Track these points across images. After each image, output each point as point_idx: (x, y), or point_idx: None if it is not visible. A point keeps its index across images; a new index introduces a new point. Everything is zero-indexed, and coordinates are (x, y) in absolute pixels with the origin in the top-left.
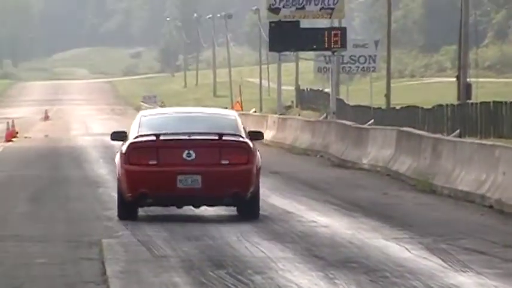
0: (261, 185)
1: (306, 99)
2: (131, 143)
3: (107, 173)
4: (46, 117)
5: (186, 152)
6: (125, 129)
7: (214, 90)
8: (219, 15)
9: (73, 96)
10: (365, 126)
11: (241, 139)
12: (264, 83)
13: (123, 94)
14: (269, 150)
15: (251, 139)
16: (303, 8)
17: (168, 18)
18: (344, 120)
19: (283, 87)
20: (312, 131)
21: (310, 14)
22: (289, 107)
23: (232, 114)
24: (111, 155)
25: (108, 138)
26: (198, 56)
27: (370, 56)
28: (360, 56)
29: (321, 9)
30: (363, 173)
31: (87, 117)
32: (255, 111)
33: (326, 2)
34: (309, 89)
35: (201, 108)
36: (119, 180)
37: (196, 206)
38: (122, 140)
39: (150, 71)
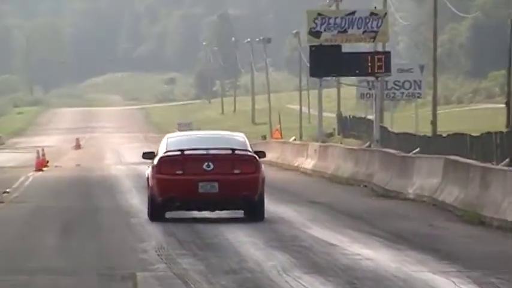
0: (301, 215)
1: (348, 126)
2: (161, 157)
3: (140, 203)
4: (77, 146)
5: (206, 163)
6: (153, 150)
7: (253, 117)
8: (257, 39)
9: (105, 123)
10: (410, 154)
11: (249, 153)
12: (304, 109)
13: (157, 121)
14: (310, 180)
15: (258, 155)
16: (345, 31)
17: (204, 43)
18: (388, 148)
19: (324, 114)
20: (354, 159)
21: (352, 37)
22: (331, 134)
23: (240, 135)
24: (143, 184)
25: (141, 167)
26: (236, 81)
27: (415, 82)
28: (404, 82)
29: (363, 32)
30: (408, 203)
31: (119, 146)
32: (295, 139)
33: (369, 25)
34: (351, 116)
35: (216, 131)
36: (151, 188)
37: (213, 210)
38: (151, 159)
39: (185, 97)
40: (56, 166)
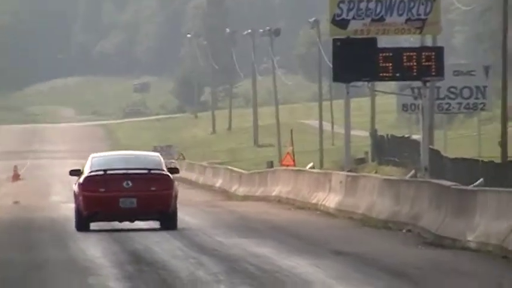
0: (322, 271)
1: (386, 149)
2: (86, 176)
3: (100, 255)
4: (15, 177)
5: (125, 182)
6: (79, 168)
7: (255, 137)
8: (261, 30)
9: (53, 145)
10: (471, 187)
11: (163, 172)
12: (326, 126)
13: (125, 143)
14: (333, 223)
15: (171, 172)
16: (382, 19)
17: (188, 35)
18: (441, 179)
19: (353, 133)
20: (394, 195)
21: (391, 27)
22: (362, 160)
23: (156, 155)
24: (107, 229)
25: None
26: (232, 88)
27: (477, 88)
28: (463, 88)
29: (407, 20)
30: (468, 254)
31: (72, 177)
32: (313, 167)
33: (414, 11)
34: (389, 136)
35: (135, 151)
36: (78, 203)
37: (132, 221)
38: (78, 176)
39: (163, 110)
40: None
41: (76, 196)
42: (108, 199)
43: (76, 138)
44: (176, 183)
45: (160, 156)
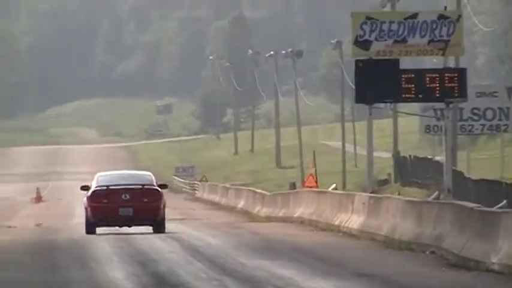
0: None
1: (409, 171)
2: (93, 191)
3: (123, 277)
4: (38, 198)
5: (124, 195)
6: (88, 184)
7: (277, 158)
8: (283, 52)
9: (76, 167)
10: (494, 209)
11: (154, 187)
12: (349, 147)
13: (147, 164)
14: (356, 244)
15: (160, 187)
16: (404, 40)
17: (211, 57)
18: (464, 201)
19: (375, 154)
20: (417, 216)
21: (414, 49)
22: (385, 182)
23: (148, 174)
24: (130, 251)
25: (127, 228)
26: (255, 109)
27: (500, 110)
28: (486, 110)
29: (429, 42)
30: (492, 276)
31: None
32: (336, 188)
33: (437, 33)
34: (412, 157)
35: (132, 171)
36: (86, 212)
37: (130, 226)
38: (87, 190)
39: (185, 131)
40: (9, 227)
41: (85, 207)
42: (110, 209)
43: (98, 160)
44: (164, 196)
45: (151, 174)
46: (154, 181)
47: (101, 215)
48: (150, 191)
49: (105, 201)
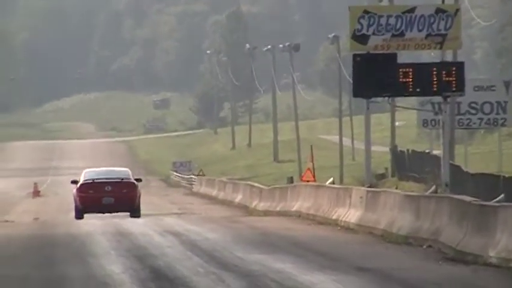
0: (342, 286)
1: (407, 165)
2: (81, 183)
3: (121, 271)
4: (35, 193)
5: (106, 187)
6: (77, 178)
7: (275, 152)
8: (281, 46)
9: (73, 162)
10: (492, 203)
11: (131, 181)
12: (346, 142)
13: (145, 159)
14: (354, 238)
15: (136, 181)
16: (402, 34)
17: (208, 51)
18: (462, 195)
19: (373, 148)
20: (415, 210)
21: (411, 43)
22: (383, 175)
23: (126, 169)
24: (128, 245)
25: (124, 221)
26: (252, 104)
27: (498, 104)
28: (483, 104)
29: (427, 36)
30: (489, 270)
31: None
32: (333, 182)
33: (435, 27)
34: (410, 151)
35: (113, 168)
36: (76, 201)
37: (111, 212)
38: (76, 183)
39: (183, 126)
40: (6, 221)
41: (75, 197)
42: (95, 198)
43: (96, 155)
44: (139, 187)
45: (129, 170)
46: (131, 176)
47: (88, 203)
48: (128, 183)
49: (91, 192)
